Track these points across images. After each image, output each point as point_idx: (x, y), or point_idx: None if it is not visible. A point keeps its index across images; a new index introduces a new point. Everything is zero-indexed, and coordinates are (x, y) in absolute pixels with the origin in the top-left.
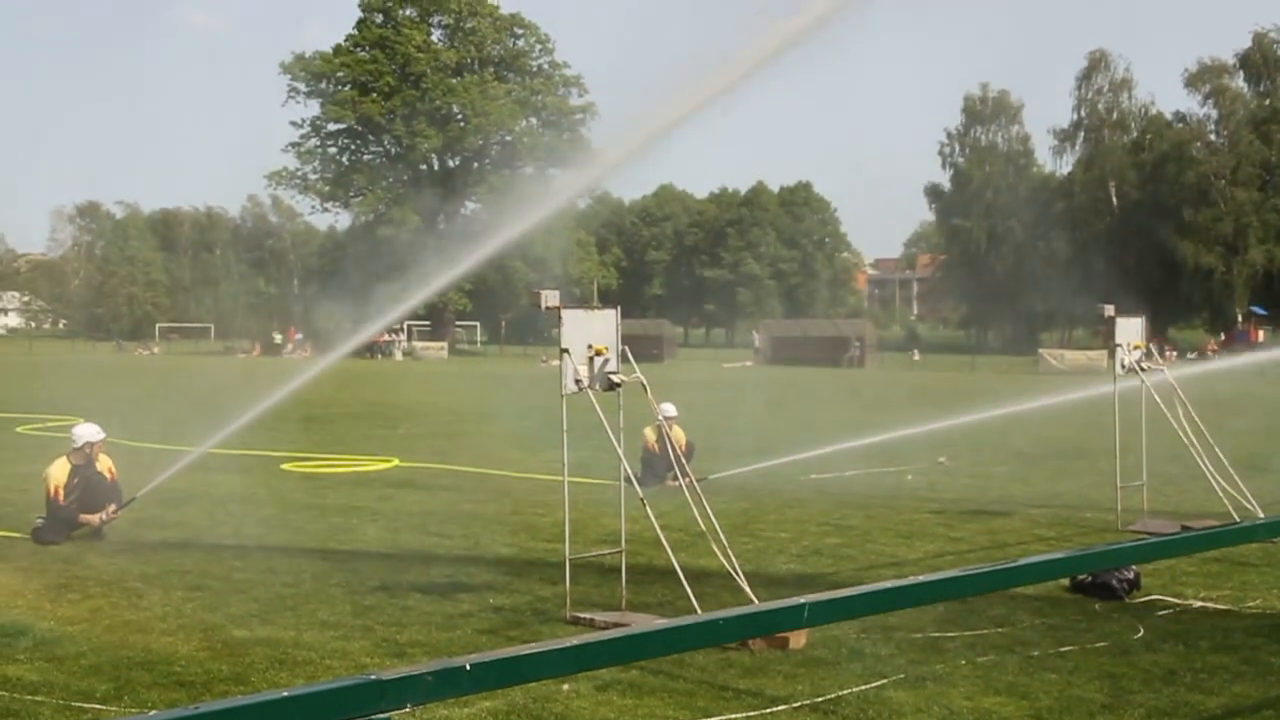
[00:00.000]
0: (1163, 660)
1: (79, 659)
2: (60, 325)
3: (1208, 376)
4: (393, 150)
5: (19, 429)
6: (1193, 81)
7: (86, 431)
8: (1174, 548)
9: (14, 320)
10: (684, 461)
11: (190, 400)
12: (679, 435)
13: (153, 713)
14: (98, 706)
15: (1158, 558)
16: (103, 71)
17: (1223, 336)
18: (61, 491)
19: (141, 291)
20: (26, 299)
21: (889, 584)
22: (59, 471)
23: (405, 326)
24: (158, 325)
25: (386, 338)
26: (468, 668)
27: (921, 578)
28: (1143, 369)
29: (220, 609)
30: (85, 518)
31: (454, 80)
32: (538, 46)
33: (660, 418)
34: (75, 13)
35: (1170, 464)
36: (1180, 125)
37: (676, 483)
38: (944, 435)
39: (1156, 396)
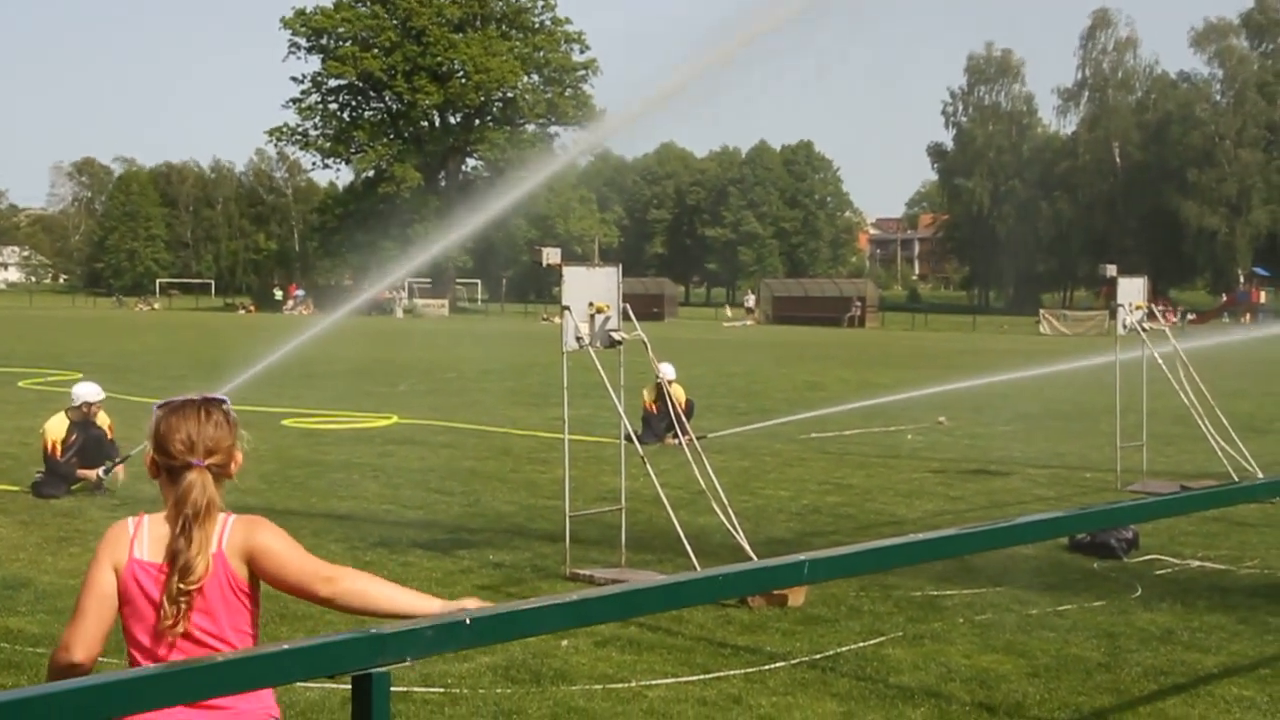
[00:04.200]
0: (1160, 619)
1: None
2: (61, 280)
3: (1208, 341)
4: (394, 106)
5: (20, 383)
6: (1198, 41)
7: (86, 391)
8: (1173, 507)
9: (14, 275)
10: (684, 419)
11: (192, 356)
12: (678, 393)
13: (153, 665)
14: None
15: (1156, 517)
16: (103, 25)
17: (1224, 297)
18: (59, 447)
19: (142, 247)
20: (27, 254)
21: (888, 542)
22: (57, 427)
23: (406, 284)
24: (158, 281)
25: (387, 294)
26: (467, 622)
27: (920, 536)
28: (1144, 330)
29: None
30: (83, 473)
31: (456, 36)
32: (539, 3)
33: (659, 378)
34: None
35: (1171, 425)
36: (1185, 85)
37: (676, 441)
38: (941, 399)
39: (1159, 357)
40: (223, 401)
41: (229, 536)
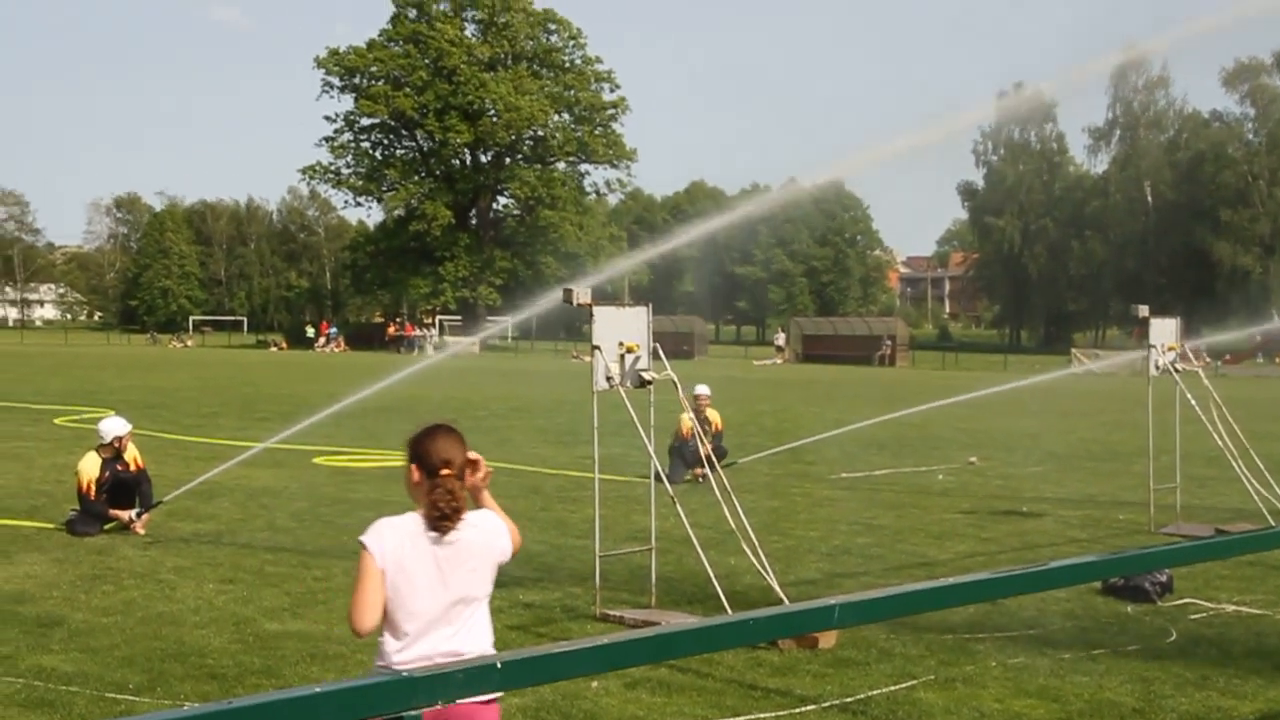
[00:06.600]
0: (1196, 664)
1: (113, 650)
2: (95, 317)
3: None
4: (425, 145)
5: (56, 420)
6: (1230, 80)
7: (114, 426)
8: (1208, 551)
9: (50, 312)
10: (714, 457)
11: (225, 393)
12: (714, 417)
13: (187, 706)
14: (131, 698)
15: (1191, 561)
16: (135, 70)
17: (1258, 338)
18: (93, 487)
19: (176, 284)
20: (62, 291)
21: (920, 586)
22: (90, 466)
23: (437, 321)
24: (191, 318)
25: (417, 332)
26: (499, 665)
27: (952, 580)
28: (1177, 370)
29: (252, 602)
30: (115, 513)
31: (487, 75)
32: (570, 42)
33: (694, 394)
34: (113, 13)
35: (1204, 466)
36: (1217, 125)
37: (704, 471)
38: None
39: (1191, 398)
40: None
41: None
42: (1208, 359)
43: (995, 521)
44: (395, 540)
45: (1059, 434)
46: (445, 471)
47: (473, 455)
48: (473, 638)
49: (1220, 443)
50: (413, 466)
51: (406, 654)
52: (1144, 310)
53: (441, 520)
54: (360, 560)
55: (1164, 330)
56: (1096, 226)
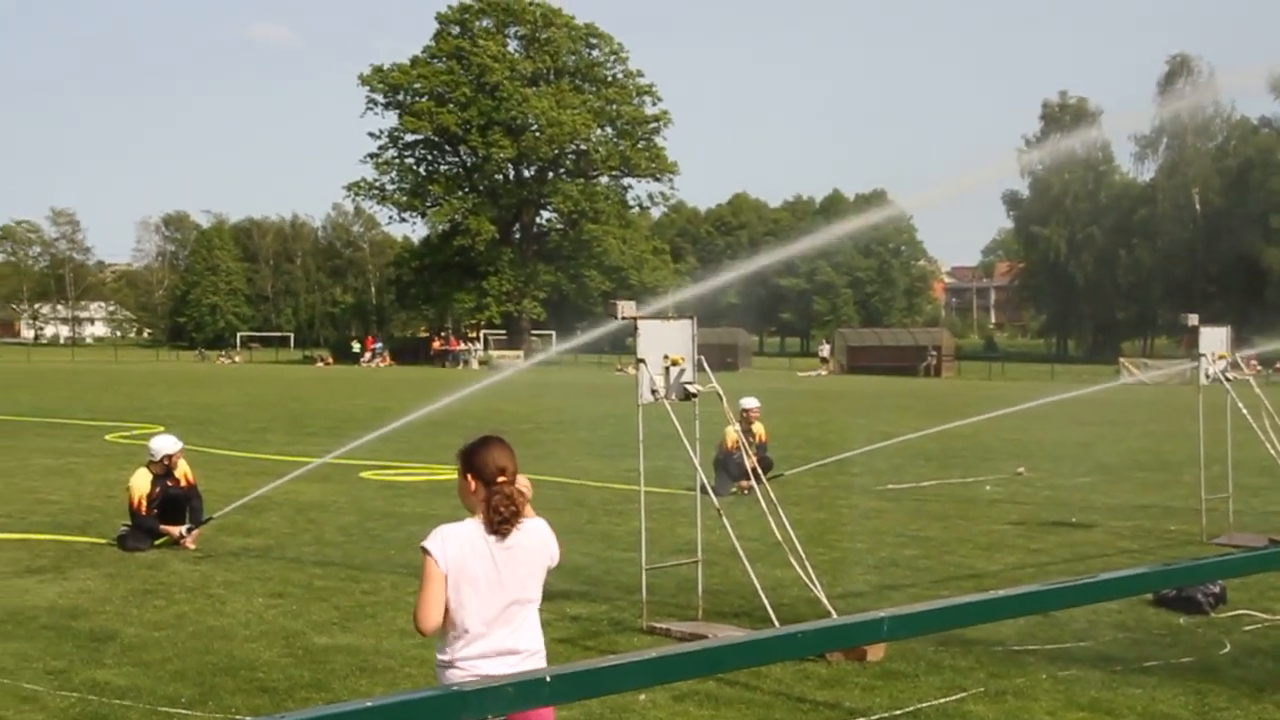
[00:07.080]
0: (1250, 676)
1: (164, 664)
2: (145, 334)
3: None
4: (469, 160)
5: (107, 437)
6: (1278, 87)
7: (165, 444)
8: (1262, 562)
9: (101, 329)
10: (759, 470)
11: (273, 408)
12: (758, 429)
13: (238, 719)
14: (183, 712)
15: (1245, 572)
16: (182, 90)
17: None
18: (144, 503)
19: (223, 301)
20: (112, 309)
21: (969, 598)
22: (141, 482)
23: (481, 335)
24: (239, 334)
25: (462, 346)
26: (548, 679)
27: (1002, 592)
28: (1228, 379)
29: (302, 616)
30: (166, 529)
31: (529, 90)
32: (612, 56)
33: (744, 408)
34: (160, 33)
35: (1257, 475)
36: (1265, 130)
37: (749, 484)
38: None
39: (1242, 406)
40: None
41: None
42: (1259, 366)
43: (1044, 532)
44: (457, 545)
45: (1108, 444)
46: (501, 479)
47: (521, 486)
48: (527, 636)
49: (1272, 451)
50: (468, 476)
51: (468, 650)
52: (1193, 319)
53: (503, 524)
54: (424, 565)
55: (1214, 339)
56: (1144, 234)
